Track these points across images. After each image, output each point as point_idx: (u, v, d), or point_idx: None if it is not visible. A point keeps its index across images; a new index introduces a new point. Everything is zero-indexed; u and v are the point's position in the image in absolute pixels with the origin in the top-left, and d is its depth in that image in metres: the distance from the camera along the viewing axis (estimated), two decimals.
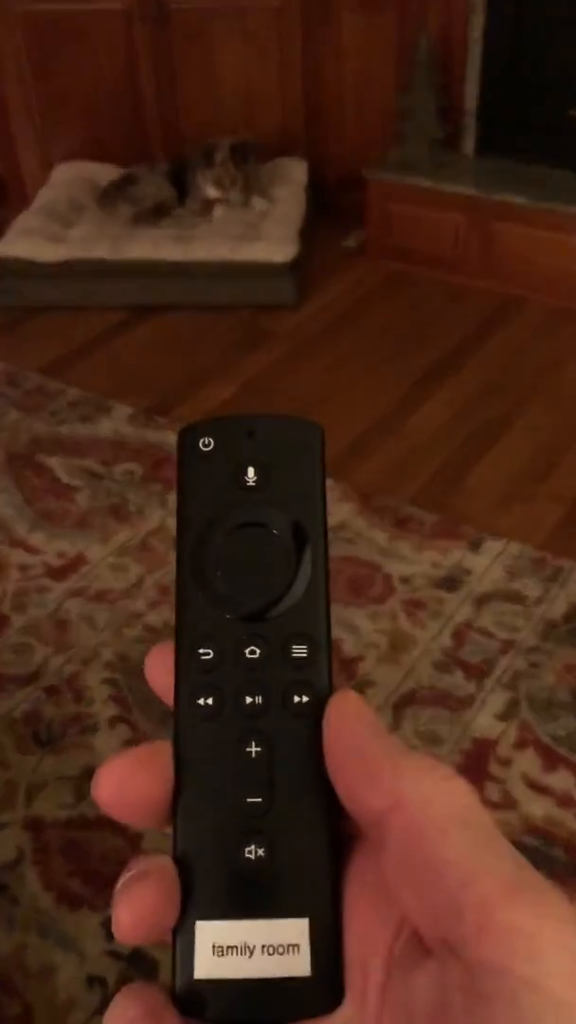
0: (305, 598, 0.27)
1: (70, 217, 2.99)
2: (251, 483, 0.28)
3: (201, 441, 0.28)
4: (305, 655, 0.27)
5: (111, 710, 1.60)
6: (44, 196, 3.09)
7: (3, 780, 1.50)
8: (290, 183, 3.09)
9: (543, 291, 2.78)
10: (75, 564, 1.92)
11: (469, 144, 2.95)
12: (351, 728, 0.26)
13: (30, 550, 1.95)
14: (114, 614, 1.79)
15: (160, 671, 0.28)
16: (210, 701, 0.27)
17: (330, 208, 3.23)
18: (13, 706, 1.61)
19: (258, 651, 0.27)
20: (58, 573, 1.90)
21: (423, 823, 0.24)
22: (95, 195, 3.08)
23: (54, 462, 2.22)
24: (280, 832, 0.26)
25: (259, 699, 0.27)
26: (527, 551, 1.89)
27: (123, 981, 1.24)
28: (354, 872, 0.27)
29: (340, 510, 2.03)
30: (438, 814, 0.24)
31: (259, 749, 0.26)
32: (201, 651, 0.27)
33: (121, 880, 0.26)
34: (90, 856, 1.38)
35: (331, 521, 1.99)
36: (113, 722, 1.58)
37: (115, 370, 2.57)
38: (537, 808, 1.43)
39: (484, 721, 1.56)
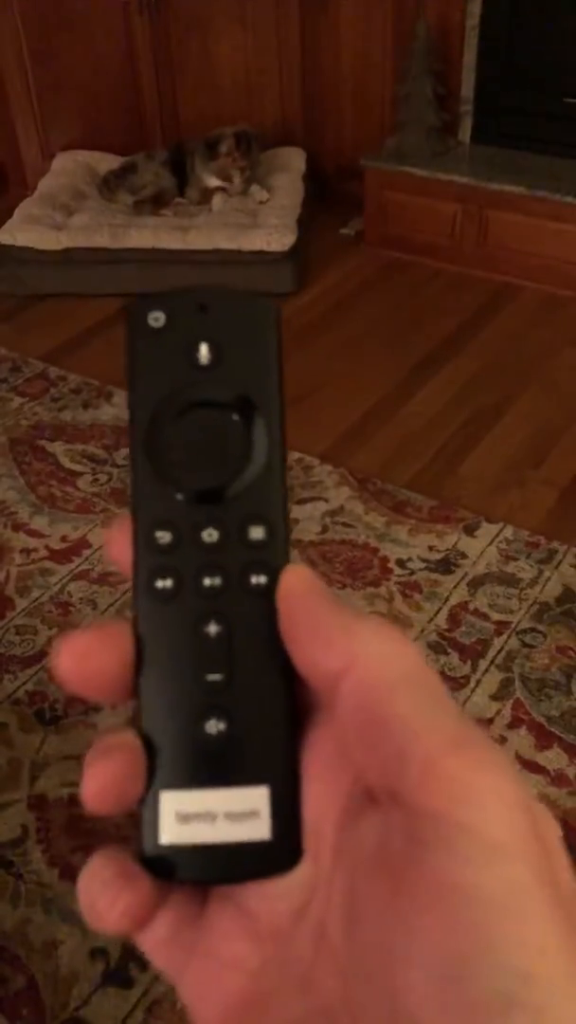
0: (261, 479, 0.27)
1: (71, 205, 3.00)
2: (204, 361, 0.27)
3: (151, 316, 0.27)
4: (262, 536, 0.27)
5: None
6: (45, 184, 3.11)
7: (7, 759, 1.53)
8: (288, 172, 3.10)
9: (538, 279, 2.80)
10: (77, 547, 1.95)
11: (466, 132, 2.97)
12: (303, 598, 0.27)
13: (33, 534, 1.98)
14: (116, 596, 1.82)
15: (122, 547, 0.28)
16: (168, 583, 0.27)
17: (328, 196, 3.25)
18: (17, 686, 1.64)
19: (216, 534, 0.27)
20: (60, 556, 1.93)
21: (375, 681, 0.25)
22: (96, 184, 3.10)
23: (56, 447, 2.24)
24: (240, 707, 0.27)
25: (217, 580, 0.27)
26: (521, 535, 1.92)
27: (126, 954, 1.27)
28: (312, 741, 0.28)
29: (338, 495, 2.06)
30: (389, 673, 0.25)
31: (218, 628, 0.27)
32: (158, 534, 0.27)
33: (89, 754, 0.27)
34: (94, 832, 1.41)
35: (329, 506, 2.02)
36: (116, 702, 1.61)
37: (116, 357, 2.59)
38: (531, 787, 1.46)
39: (479, 701, 1.60)
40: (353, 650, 0.26)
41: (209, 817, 0.27)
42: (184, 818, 0.27)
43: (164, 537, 0.27)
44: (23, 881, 1.36)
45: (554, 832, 0.25)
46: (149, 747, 0.27)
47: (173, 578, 0.27)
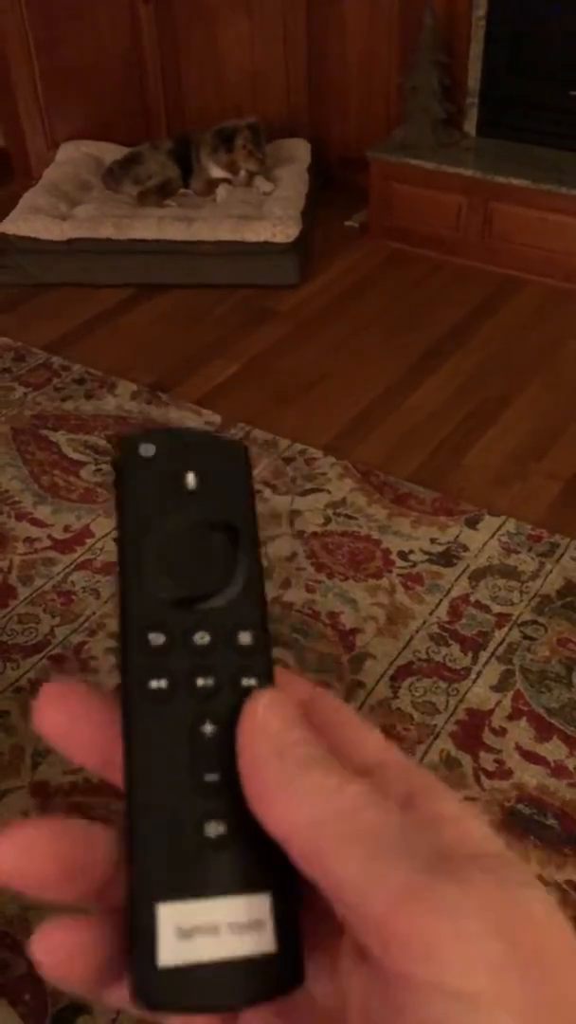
0: (246, 589, 0.28)
1: (75, 196, 3.00)
2: (191, 487, 0.29)
3: (142, 447, 0.29)
4: (250, 642, 0.28)
5: (116, 679, 1.63)
6: (50, 174, 3.11)
7: (10, 746, 1.54)
8: (293, 163, 3.10)
9: (542, 272, 2.79)
10: (80, 537, 1.95)
11: (471, 124, 2.96)
12: (252, 748, 0.26)
13: (36, 523, 1.99)
14: None
15: (58, 714, 0.28)
16: (163, 684, 0.27)
17: (333, 188, 3.24)
18: (20, 675, 1.65)
19: (208, 637, 0.28)
20: (63, 546, 1.93)
21: (316, 848, 0.24)
22: (100, 174, 3.10)
23: (59, 437, 2.25)
24: (238, 807, 0.26)
25: (211, 681, 0.27)
26: (524, 527, 1.92)
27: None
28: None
29: (341, 487, 2.06)
30: (329, 835, 0.24)
31: (214, 728, 0.27)
32: (151, 636, 0.27)
33: (46, 925, 0.25)
34: (94, 820, 1.42)
35: (332, 498, 2.02)
36: (118, 690, 1.61)
37: (119, 347, 2.60)
38: (530, 777, 1.47)
39: (479, 692, 1.60)
40: (289, 819, 0.24)
41: (212, 930, 0.25)
42: (185, 933, 0.25)
43: (157, 639, 0.27)
44: None
45: (545, 927, 0.23)
46: (144, 855, 0.26)
47: (168, 678, 0.27)
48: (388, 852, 0.23)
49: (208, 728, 0.27)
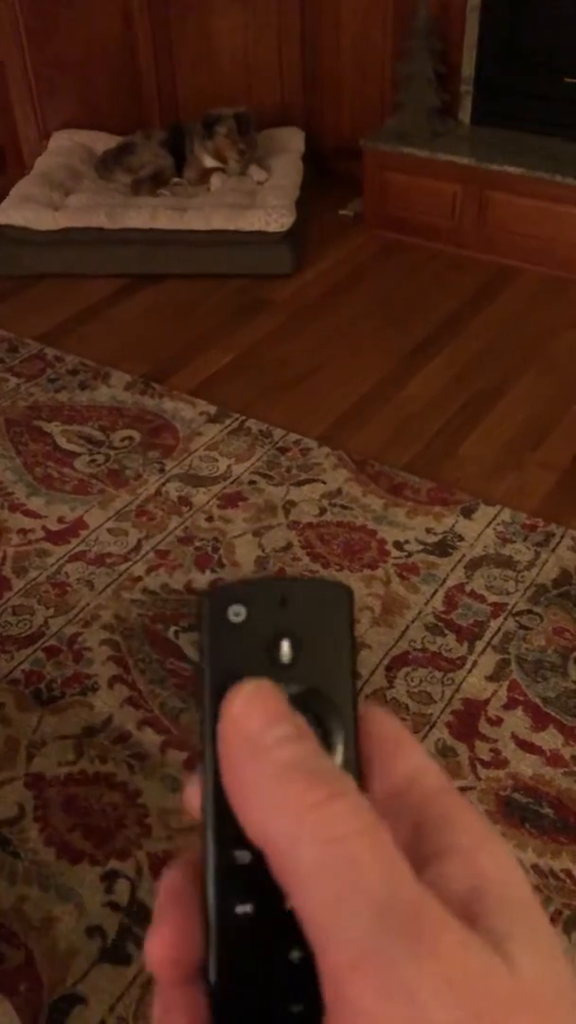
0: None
1: (68, 185, 2.98)
2: (285, 660, 0.26)
3: (231, 610, 0.26)
4: None
5: (110, 670, 1.63)
6: (42, 164, 3.08)
7: (4, 738, 1.53)
8: (287, 152, 3.08)
9: (538, 261, 2.79)
10: (74, 528, 1.94)
11: (466, 112, 2.95)
12: (226, 749, 0.24)
13: (29, 514, 1.98)
14: (113, 577, 1.82)
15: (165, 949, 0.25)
16: (248, 908, 0.25)
17: (327, 177, 3.23)
18: (14, 666, 1.64)
19: None
20: (57, 537, 1.92)
21: (288, 866, 0.22)
22: (93, 163, 3.08)
23: (53, 428, 2.24)
24: None
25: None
26: (519, 517, 1.92)
27: (123, 932, 1.28)
28: None
29: (336, 477, 2.06)
30: (302, 857, 0.21)
31: (300, 955, 0.24)
32: (237, 854, 0.25)
33: None
34: (90, 811, 1.42)
35: (327, 488, 2.01)
36: (112, 682, 1.61)
37: (113, 338, 2.59)
38: (526, 767, 1.47)
39: (475, 682, 1.60)
40: (264, 829, 0.22)
41: None
42: None
43: (244, 857, 0.25)
44: (20, 859, 1.36)
45: (502, 1001, 0.20)
46: None
47: (253, 903, 0.25)
48: (359, 896, 0.21)
49: (295, 955, 0.24)
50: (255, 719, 0.24)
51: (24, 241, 2.79)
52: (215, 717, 0.25)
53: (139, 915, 1.30)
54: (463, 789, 1.43)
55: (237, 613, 0.26)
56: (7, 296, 2.78)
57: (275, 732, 0.23)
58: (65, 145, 3.20)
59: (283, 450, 2.15)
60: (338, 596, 0.27)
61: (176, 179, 2.99)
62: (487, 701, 1.57)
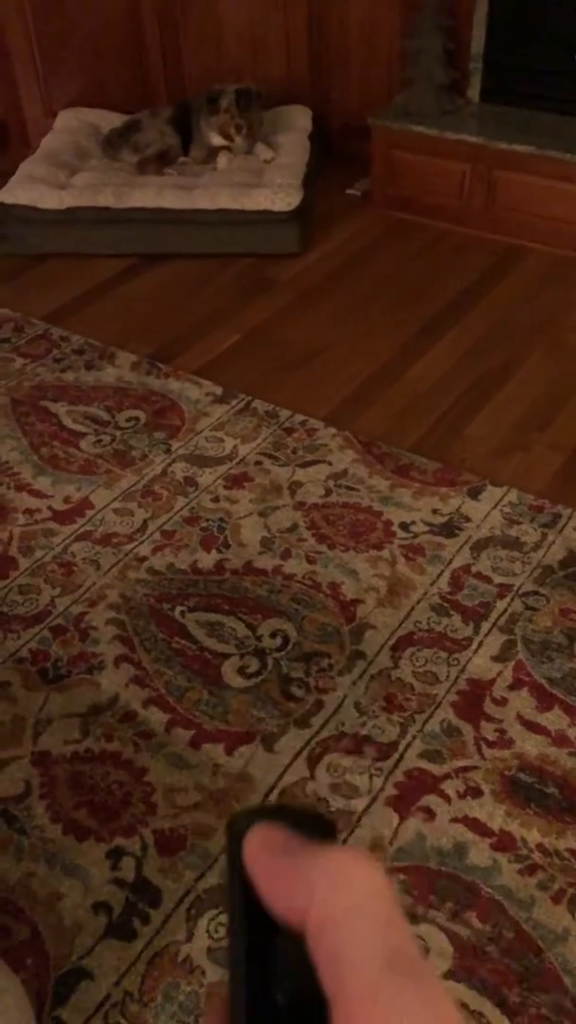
0: None
1: (74, 164, 2.96)
2: None
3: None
4: None
5: (116, 649, 1.63)
6: (48, 143, 3.07)
7: (11, 716, 1.54)
8: (294, 130, 3.06)
9: (547, 240, 2.76)
10: (80, 508, 1.94)
11: (475, 90, 2.92)
12: (248, 855, 0.28)
13: (36, 494, 1.98)
14: (119, 557, 1.82)
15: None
16: None
17: (335, 155, 3.20)
18: (20, 645, 1.65)
19: None
20: (64, 517, 1.92)
21: (321, 918, 0.26)
22: (99, 142, 3.06)
23: (59, 408, 2.23)
24: None
25: None
26: (526, 498, 1.91)
27: (128, 908, 1.29)
28: None
29: (342, 458, 2.05)
30: (336, 904, 0.26)
31: None
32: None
33: None
34: (96, 788, 1.43)
35: (333, 469, 2.01)
36: (118, 661, 1.61)
37: (119, 318, 2.58)
38: (532, 747, 1.47)
39: (480, 662, 1.60)
40: (296, 897, 0.26)
41: None
42: None
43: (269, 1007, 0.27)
44: (26, 836, 1.37)
45: None
46: None
47: None
48: (376, 942, 0.25)
49: None
50: (269, 832, 0.29)
51: (30, 220, 2.78)
52: (243, 946, 0.28)
53: (144, 892, 1.31)
54: (468, 769, 1.44)
55: None
56: (13, 276, 2.77)
57: (286, 835, 0.28)
58: (71, 124, 3.17)
59: (289, 431, 2.14)
60: (327, 828, 0.30)
61: (183, 158, 2.97)
62: (492, 681, 1.57)
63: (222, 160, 2.92)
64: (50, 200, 2.76)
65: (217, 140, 2.93)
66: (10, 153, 3.46)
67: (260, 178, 2.83)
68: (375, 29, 3.05)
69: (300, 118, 3.12)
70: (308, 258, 2.81)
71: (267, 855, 0.28)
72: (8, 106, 3.48)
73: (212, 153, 2.93)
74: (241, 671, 1.59)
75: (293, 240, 2.78)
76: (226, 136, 2.92)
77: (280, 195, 2.72)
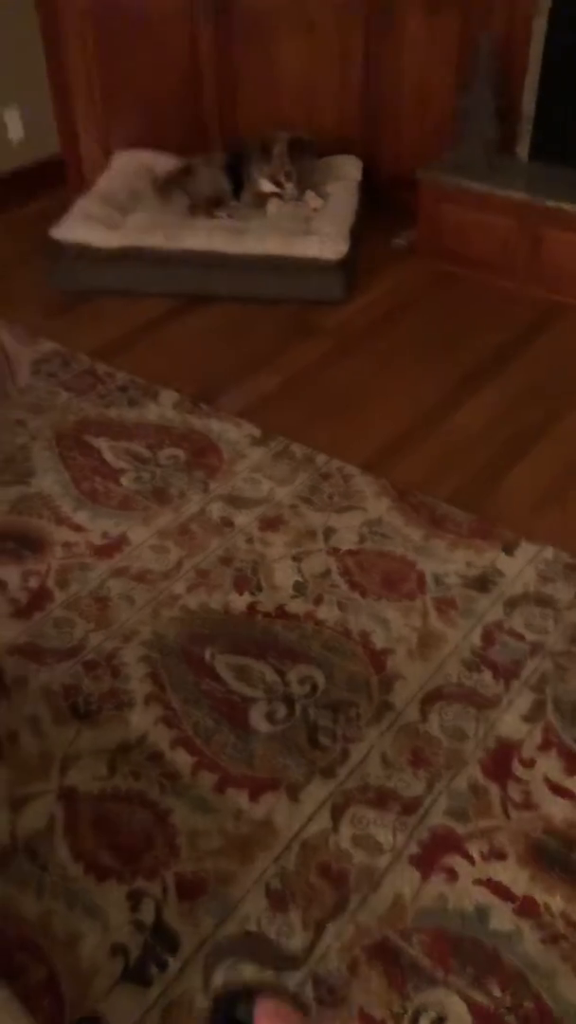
0: None
1: (128, 205, 3.04)
2: None
3: (239, 1008, 0.30)
4: None
5: (147, 687, 1.64)
6: (104, 183, 3.15)
7: (40, 750, 1.55)
8: (344, 180, 3.11)
9: None
10: (118, 544, 1.97)
11: (524, 148, 2.95)
12: None
13: (75, 528, 2.01)
14: (153, 594, 1.84)
15: None
16: None
17: (382, 205, 3.25)
18: (52, 678, 1.67)
19: None
20: (101, 552, 1.95)
21: None
22: (153, 184, 3.13)
23: (101, 443, 2.27)
24: None
25: None
26: (561, 556, 1.91)
27: (146, 953, 1.28)
28: None
29: (377, 505, 2.06)
30: None
31: None
32: None
33: None
34: (120, 828, 1.43)
35: (368, 516, 2.02)
36: (148, 699, 1.62)
37: (164, 356, 2.62)
38: (558, 811, 1.45)
39: (509, 721, 1.59)
40: None
41: None
42: None
43: None
44: (48, 873, 1.38)
45: None
46: None
47: None
48: None
49: None
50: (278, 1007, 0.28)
51: (83, 257, 2.85)
52: None
53: (163, 936, 1.30)
54: (493, 830, 1.42)
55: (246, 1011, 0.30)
56: (63, 311, 2.84)
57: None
58: (127, 165, 3.26)
59: (326, 476, 2.16)
60: None
61: (234, 202, 3.03)
62: (521, 742, 1.55)
63: (272, 206, 2.98)
64: (103, 239, 2.83)
65: (268, 187, 2.99)
66: (67, 188, 3.56)
67: (309, 226, 2.88)
68: (428, 85, 3.11)
69: (350, 168, 3.17)
70: (352, 305, 2.85)
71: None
72: (67, 143, 3.58)
73: (262, 199, 2.99)
74: (268, 716, 1.59)
75: (338, 287, 2.82)
76: (277, 183, 2.98)
77: (328, 243, 2.76)
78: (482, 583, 1.85)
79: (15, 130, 3.44)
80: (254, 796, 1.47)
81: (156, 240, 2.81)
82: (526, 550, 1.93)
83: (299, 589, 1.85)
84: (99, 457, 2.23)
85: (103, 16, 3.25)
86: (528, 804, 1.46)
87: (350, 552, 1.94)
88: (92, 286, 2.89)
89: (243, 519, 2.03)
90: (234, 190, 3.02)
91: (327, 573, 1.89)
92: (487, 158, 2.91)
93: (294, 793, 1.47)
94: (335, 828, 1.43)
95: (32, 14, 3.32)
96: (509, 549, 1.93)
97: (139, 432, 2.32)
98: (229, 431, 2.32)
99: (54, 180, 3.58)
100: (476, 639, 1.73)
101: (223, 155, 3.11)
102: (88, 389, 2.48)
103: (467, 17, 2.91)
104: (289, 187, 2.97)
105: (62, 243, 2.85)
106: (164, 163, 3.23)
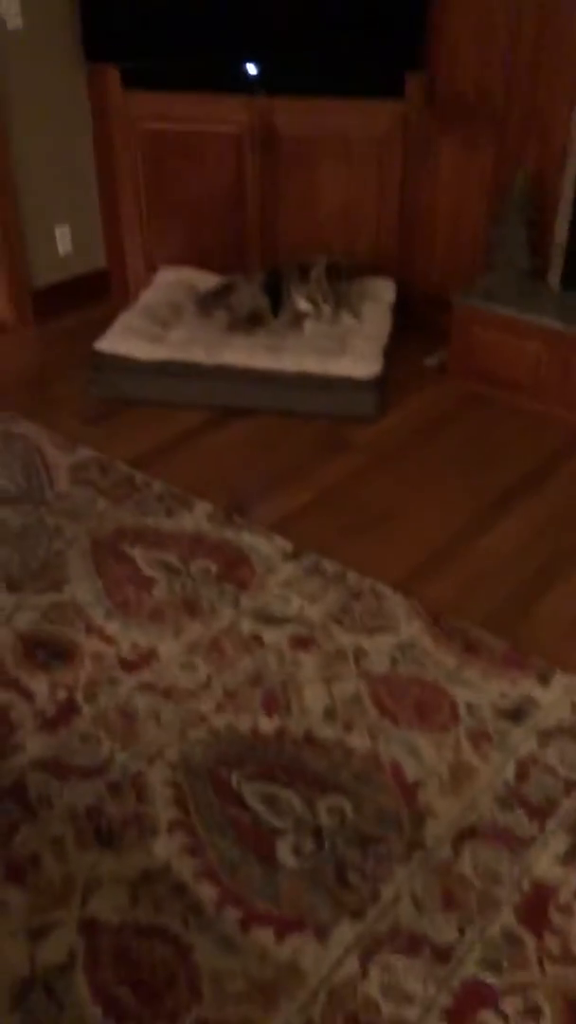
0: None
1: (169, 319, 3.14)
2: None
3: None
4: None
5: (171, 812, 1.61)
6: (147, 297, 3.26)
7: (61, 875, 1.51)
8: (378, 301, 3.21)
9: None
10: (147, 657, 1.96)
11: (556, 276, 3.04)
12: None
13: (105, 639, 2.01)
14: (180, 713, 1.82)
15: None
16: None
17: (415, 326, 3.34)
18: (77, 799, 1.64)
19: None
20: (130, 665, 1.94)
21: None
22: (194, 300, 3.24)
23: (136, 553, 2.29)
24: None
25: None
26: None
27: None
28: None
29: (409, 628, 2.05)
30: None
31: None
32: None
33: None
34: (141, 965, 1.38)
35: (400, 639, 2.00)
36: (172, 826, 1.59)
37: (200, 467, 2.67)
38: None
39: (544, 865, 1.54)
40: None
41: None
42: None
43: None
44: (64, 1012, 1.33)
45: None
46: None
47: None
48: None
49: None
50: None
51: (124, 369, 2.93)
52: None
53: None
54: (528, 986, 1.36)
55: None
56: (102, 419, 2.91)
57: None
58: (170, 280, 3.38)
59: (357, 595, 2.16)
60: None
61: (272, 321, 3.12)
62: (557, 888, 1.50)
63: (308, 325, 3.07)
64: (145, 352, 2.91)
65: (304, 306, 3.09)
66: (111, 299, 3.70)
67: (343, 345, 2.96)
68: (462, 214, 3.24)
69: (384, 291, 3.28)
70: (384, 423, 2.90)
71: None
72: (114, 259, 3.73)
73: (299, 318, 3.09)
74: (295, 850, 1.55)
75: (371, 405, 2.88)
76: (313, 303, 3.07)
77: (362, 363, 2.83)
78: (516, 715, 1.82)
79: (64, 245, 3.60)
80: (280, 936, 1.42)
81: (197, 355, 2.90)
82: (561, 681, 1.90)
83: (329, 714, 1.83)
84: (133, 566, 2.24)
85: (156, 145, 3.44)
86: (566, 957, 1.40)
87: (381, 677, 1.92)
88: (132, 396, 2.96)
89: (273, 636, 2.03)
90: (272, 308, 3.12)
91: (357, 698, 1.86)
92: (519, 286, 3.00)
93: (322, 935, 1.42)
94: (364, 974, 1.37)
95: (85, 140, 3.52)
96: (543, 680, 1.91)
97: (173, 542, 2.34)
98: (261, 544, 2.34)
99: (99, 292, 3.72)
100: (510, 775, 1.70)
101: (262, 274, 3.22)
102: (125, 497, 2.52)
103: (501, 152, 3.05)
104: (325, 307, 3.07)
105: (105, 355, 2.94)
106: (205, 280, 3.35)
